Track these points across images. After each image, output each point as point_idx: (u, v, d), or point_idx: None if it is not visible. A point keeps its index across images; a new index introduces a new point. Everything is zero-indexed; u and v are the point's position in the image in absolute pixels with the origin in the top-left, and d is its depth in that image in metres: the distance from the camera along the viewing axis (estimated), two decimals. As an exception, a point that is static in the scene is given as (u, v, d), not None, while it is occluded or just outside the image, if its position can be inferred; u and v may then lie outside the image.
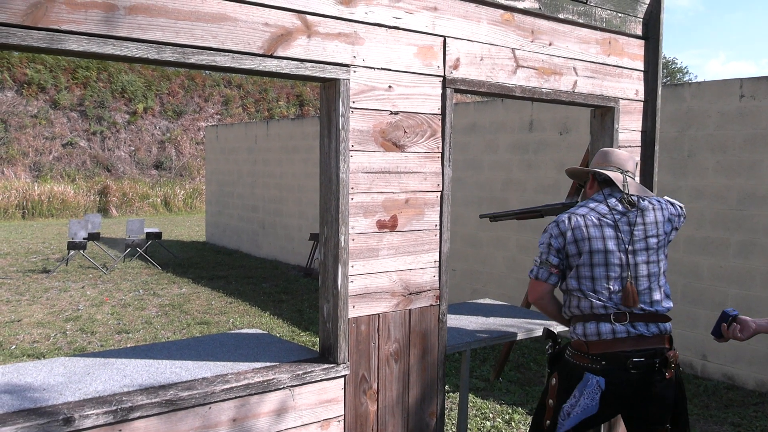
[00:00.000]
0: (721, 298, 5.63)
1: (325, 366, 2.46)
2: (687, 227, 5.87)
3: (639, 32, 3.65)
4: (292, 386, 2.37)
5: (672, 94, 6.13)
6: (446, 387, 5.04)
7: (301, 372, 2.39)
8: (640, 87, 3.68)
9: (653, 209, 2.68)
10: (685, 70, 41.02)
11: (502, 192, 7.84)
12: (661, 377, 2.53)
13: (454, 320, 3.43)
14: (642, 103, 3.70)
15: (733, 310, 2.70)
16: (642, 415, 2.57)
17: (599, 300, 2.56)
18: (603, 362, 2.51)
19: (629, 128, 3.62)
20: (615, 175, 2.71)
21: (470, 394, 5.06)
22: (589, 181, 2.85)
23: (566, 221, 2.63)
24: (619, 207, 2.64)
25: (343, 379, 2.51)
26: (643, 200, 2.69)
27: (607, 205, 2.65)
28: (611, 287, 2.56)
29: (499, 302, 4.10)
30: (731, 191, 5.63)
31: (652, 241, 2.63)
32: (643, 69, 3.69)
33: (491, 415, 4.69)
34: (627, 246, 2.58)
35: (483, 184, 8.08)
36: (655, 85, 3.71)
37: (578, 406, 2.50)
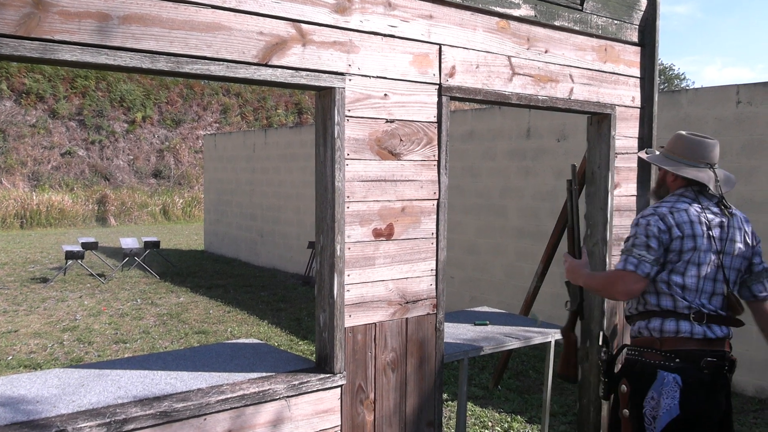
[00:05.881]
0: (721, 304, 5.61)
1: (322, 376, 2.45)
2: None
3: (635, 39, 3.65)
4: (288, 397, 2.35)
5: (669, 101, 6.13)
6: (445, 395, 5.01)
7: (297, 382, 2.37)
8: (637, 94, 3.67)
9: (741, 218, 2.64)
10: (683, 77, 41.10)
11: (500, 199, 7.84)
12: (726, 382, 2.49)
13: (451, 328, 3.41)
14: (639, 109, 3.69)
15: None
16: (706, 422, 2.48)
17: (685, 300, 2.48)
18: (677, 359, 2.43)
19: (626, 135, 3.61)
20: (707, 176, 2.59)
21: (469, 403, 5.04)
22: (665, 172, 2.73)
23: (670, 217, 2.51)
24: (712, 208, 2.57)
25: (339, 389, 2.50)
26: (733, 207, 2.64)
27: (700, 205, 2.57)
28: (701, 287, 2.50)
29: (497, 310, 4.09)
30: (730, 197, 5.59)
31: (740, 247, 2.57)
32: (639, 76, 3.69)
33: (490, 424, 4.66)
34: (720, 249, 2.52)
35: (481, 192, 8.08)
36: (651, 92, 3.71)
37: (661, 407, 2.40)
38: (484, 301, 7.82)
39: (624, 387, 2.55)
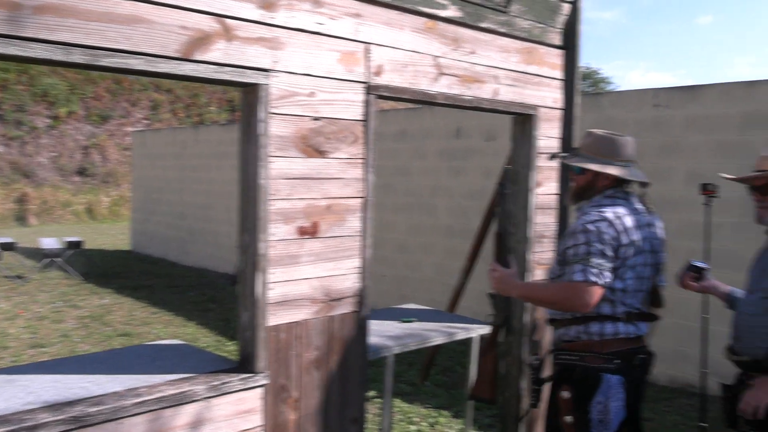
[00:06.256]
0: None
1: (244, 376, 2.41)
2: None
3: (558, 42, 3.75)
4: (208, 398, 2.31)
5: (592, 103, 6.34)
6: (373, 393, 5.04)
7: (218, 383, 2.33)
8: (559, 95, 3.78)
9: (656, 215, 2.70)
10: (609, 80, 42.45)
11: (430, 198, 7.93)
12: (647, 376, 2.57)
13: (377, 326, 3.43)
14: (561, 111, 3.79)
15: (701, 263, 2.84)
16: (636, 416, 2.54)
17: (623, 304, 2.49)
18: (617, 360, 2.45)
19: (549, 135, 3.71)
20: (640, 174, 2.61)
21: (396, 399, 5.08)
22: (595, 174, 2.63)
23: (617, 223, 2.45)
24: (638, 207, 2.60)
25: (262, 388, 2.47)
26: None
27: (632, 205, 2.58)
28: (638, 288, 2.53)
29: (424, 307, 4.14)
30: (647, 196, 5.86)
31: (659, 244, 2.63)
32: (562, 78, 3.79)
33: (417, 419, 4.72)
34: (648, 248, 2.55)
35: (412, 191, 8.15)
36: (573, 94, 3.82)
37: (610, 411, 2.40)
38: (414, 298, 7.90)
39: (566, 393, 2.50)
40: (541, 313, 3.54)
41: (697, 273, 2.91)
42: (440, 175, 7.85)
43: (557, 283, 2.56)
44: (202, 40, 2.27)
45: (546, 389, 2.73)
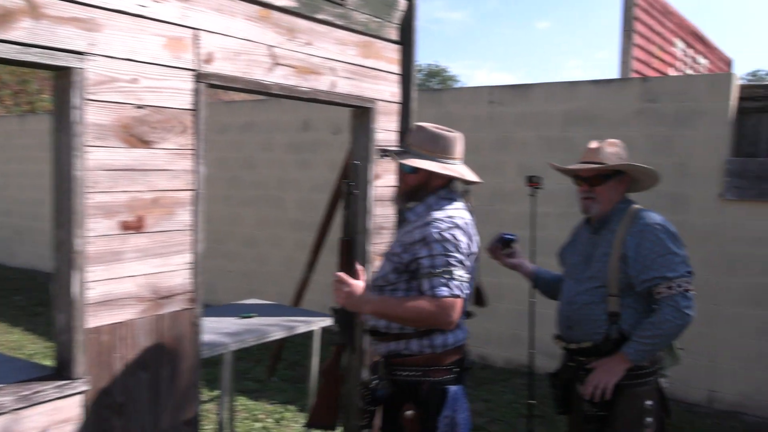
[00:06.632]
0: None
1: (60, 383, 2.24)
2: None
3: (395, 37, 3.82)
4: (17, 409, 2.11)
5: (433, 99, 6.57)
6: (218, 392, 4.90)
7: (28, 392, 2.14)
8: (397, 90, 3.86)
9: None
10: (456, 79, 44.39)
11: (277, 191, 7.84)
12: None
13: (215, 323, 3.33)
14: (399, 105, 3.88)
15: (510, 234, 2.96)
16: None
17: (464, 312, 2.40)
18: (456, 369, 2.37)
19: (387, 128, 3.78)
20: (474, 174, 2.51)
21: (242, 397, 4.97)
22: (429, 174, 2.43)
23: (466, 228, 2.34)
24: (467, 208, 2.47)
25: (81, 395, 2.30)
26: None
27: (465, 207, 2.46)
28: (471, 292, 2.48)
29: (265, 301, 4.09)
30: (484, 188, 6.16)
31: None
32: (399, 73, 3.88)
33: (262, 416, 4.65)
34: (476, 250, 2.46)
35: (259, 183, 8.02)
36: (410, 89, 3.92)
37: (458, 424, 2.30)
38: (262, 293, 7.78)
39: (410, 413, 2.31)
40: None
41: (507, 245, 3.04)
42: (288, 168, 7.78)
43: (418, 298, 2.27)
44: (4, 17, 2.07)
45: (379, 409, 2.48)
